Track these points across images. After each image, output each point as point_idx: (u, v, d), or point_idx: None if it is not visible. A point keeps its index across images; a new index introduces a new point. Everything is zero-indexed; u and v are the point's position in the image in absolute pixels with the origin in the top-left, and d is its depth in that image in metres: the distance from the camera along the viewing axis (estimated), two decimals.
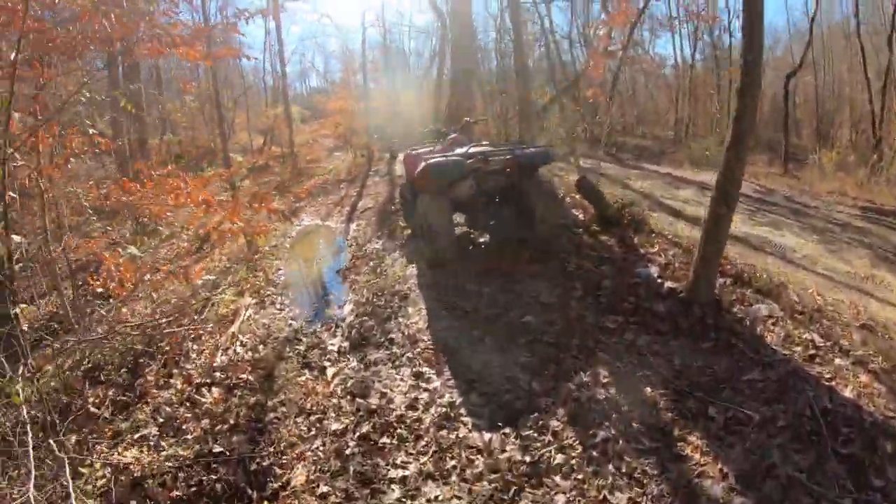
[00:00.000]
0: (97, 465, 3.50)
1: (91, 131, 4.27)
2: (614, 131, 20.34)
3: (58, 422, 3.40)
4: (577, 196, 7.46)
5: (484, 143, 6.99)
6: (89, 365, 4.33)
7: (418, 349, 4.22)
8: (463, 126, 7.45)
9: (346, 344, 4.50)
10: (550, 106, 17.80)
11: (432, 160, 5.34)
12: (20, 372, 2.91)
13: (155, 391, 4.14)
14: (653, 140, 21.27)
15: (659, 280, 4.90)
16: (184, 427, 3.73)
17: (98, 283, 4.22)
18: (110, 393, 4.14)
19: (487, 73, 23.34)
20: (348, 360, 4.23)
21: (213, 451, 3.40)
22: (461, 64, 10.89)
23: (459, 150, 6.01)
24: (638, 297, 4.64)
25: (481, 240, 6.45)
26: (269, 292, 5.98)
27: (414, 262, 5.94)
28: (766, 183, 11.14)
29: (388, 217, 8.53)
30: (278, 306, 5.57)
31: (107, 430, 3.87)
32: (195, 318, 5.20)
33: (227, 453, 3.37)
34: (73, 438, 3.72)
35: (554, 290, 4.86)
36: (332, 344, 4.53)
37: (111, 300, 4.94)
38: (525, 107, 10.91)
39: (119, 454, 3.60)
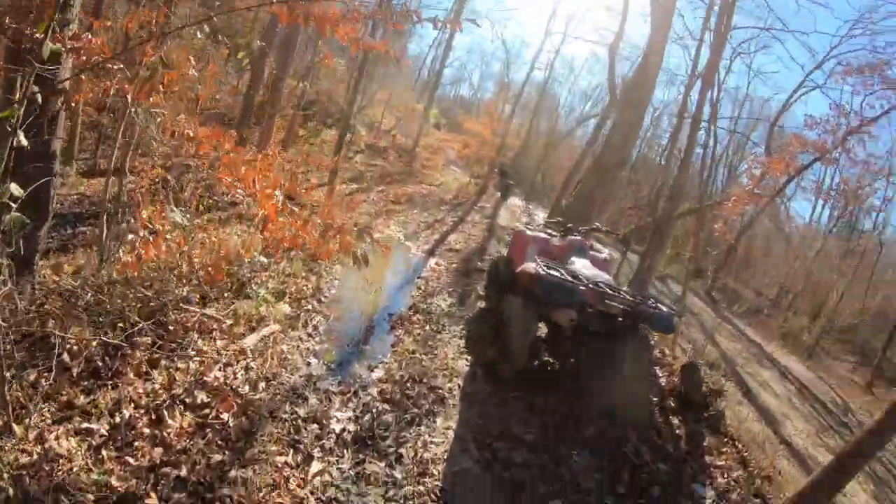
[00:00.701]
0: (30, 436, 2.94)
1: (193, 72, 3.74)
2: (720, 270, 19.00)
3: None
4: (668, 352, 6.77)
5: (606, 253, 6.06)
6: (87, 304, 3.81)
7: (421, 487, 3.38)
8: (590, 230, 6.56)
9: (351, 429, 3.70)
10: (685, 217, 16.65)
11: (544, 272, 4.48)
12: None
13: (132, 376, 3.52)
14: (753, 292, 20.27)
15: None
16: (135, 444, 3.06)
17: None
18: (93, 346, 3.56)
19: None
20: (341, 457, 3.42)
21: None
22: (615, 153, 9.84)
23: (577, 264, 5.14)
24: None
25: (550, 359, 5.47)
26: (310, 306, 5.32)
27: (470, 356, 5.20)
28: (844, 394, 10.63)
29: (469, 274, 7.80)
30: (309, 330, 4.88)
31: (63, 393, 3.30)
32: (217, 303, 4.59)
33: None
34: (32, 376, 3.20)
35: (599, 473, 3.96)
36: (336, 421, 3.73)
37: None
38: (665, 227, 9.85)
39: (56, 437, 3.00)
